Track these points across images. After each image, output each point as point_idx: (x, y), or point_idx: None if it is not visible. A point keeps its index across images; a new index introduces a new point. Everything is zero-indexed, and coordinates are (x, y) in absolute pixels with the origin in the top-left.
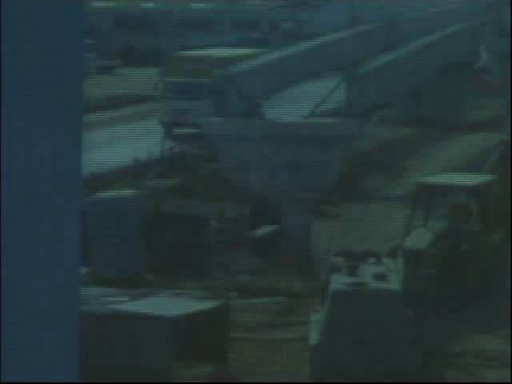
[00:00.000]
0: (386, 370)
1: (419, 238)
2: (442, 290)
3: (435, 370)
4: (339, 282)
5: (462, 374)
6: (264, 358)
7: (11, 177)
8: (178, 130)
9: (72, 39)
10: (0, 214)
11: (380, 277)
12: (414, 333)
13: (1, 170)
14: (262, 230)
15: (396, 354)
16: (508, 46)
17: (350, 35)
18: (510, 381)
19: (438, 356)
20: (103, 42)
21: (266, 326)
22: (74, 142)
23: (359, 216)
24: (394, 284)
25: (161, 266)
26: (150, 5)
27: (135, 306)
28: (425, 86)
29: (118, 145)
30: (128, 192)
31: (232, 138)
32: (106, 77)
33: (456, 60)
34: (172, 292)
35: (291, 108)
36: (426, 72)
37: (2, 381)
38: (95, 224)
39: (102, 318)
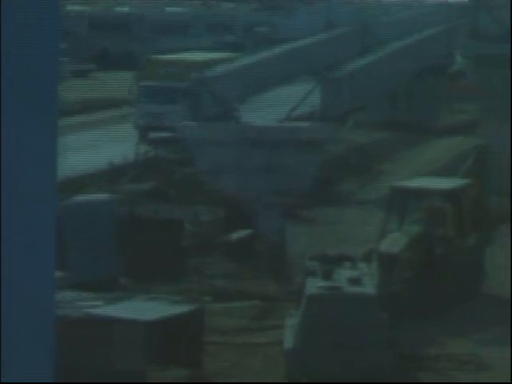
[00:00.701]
0: (362, 373)
1: (394, 242)
2: (417, 294)
3: (410, 374)
4: (314, 285)
5: (436, 378)
6: (239, 361)
7: None
8: (152, 134)
9: (47, 43)
10: None
11: (355, 281)
12: (389, 336)
13: None
14: (237, 234)
15: (371, 357)
16: (483, 50)
17: (325, 39)
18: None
19: (412, 359)
20: (78, 45)
21: (240, 330)
22: (48, 145)
23: (334, 220)
24: (369, 288)
25: (136, 269)
26: (125, 9)
27: (110, 310)
28: (400, 90)
29: (93, 149)
30: (103, 196)
31: (207, 141)
32: (80, 81)
33: (431, 63)
34: (147, 296)
35: (266, 112)
36: (402, 75)
37: (3, 381)
38: (70, 228)
39: (77, 322)
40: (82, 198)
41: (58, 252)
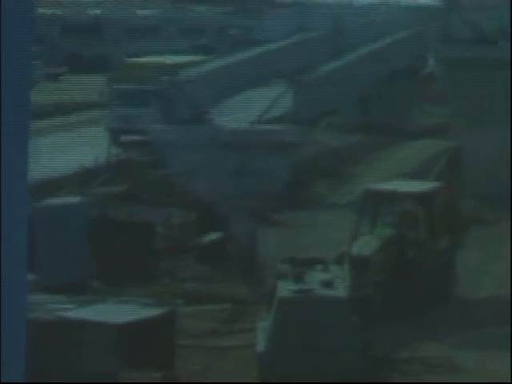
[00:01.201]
0: (333, 376)
1: (366, 245)
2: (389, 297)
3: (382, 377)
4: (286, 288)
5: (408, 381)
6: (211, 364)
7: None
8: (124, 137)
9: (19, 46)
10: None
11: (327, 283)
12: (361, 339)
13: None
14: (209, 237)
15: (343, 360)
16: (455, 53)
17: (297, 42)
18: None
19: (385, 362)
20: (49, 49)
21: (212, 333)
22: (20, 148)
23: (306, 223)
24: (340, 291)
25: (107, 272)
26: (97, 11)
27: (82, 313)
28: (372, 93)
29: (65, 151)
30: (75, 198)
31: (179, 144)
32: (52, 84)
33: (403, 66)
34: (118, 299)
35: (238, 114)
36: (374, 79)
37: (3, 381)
38: (42, 231)
39: (48, 325)
40: (54, 200)
41: (30, 254)
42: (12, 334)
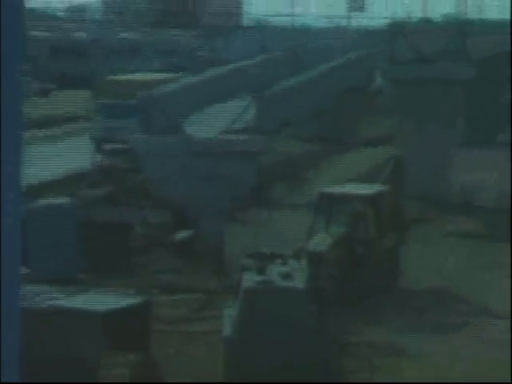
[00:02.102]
0: (293, 359)
1: (321, 242)
2: (342, 288)
3: (335, 359)
4: (250, 280)
5: (357, 362)
6: (183, 348)
7: None
8: (107, 146)
9: (11, 65)
10: None
11: (286, 276)
12: (316, 325)
13: None
14: (181, 235)
15: (301, 344)
16: (399, 72)
17: (260, 61)
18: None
19: (337, 346)
20: (39, 67)
21: (184, 320)
22: (14, 156)
23: (268, 222)
24: (298, 282)
25: (92, 266)
26: (82, 34)
27: (70, 302)
28: (327, 107)
29: (54, 158)
30: (63, 200)
31: (155, 152)
32: (42, 99)
33: (354, 84)
34: (102, 289)
35: (208, 126)
36: (328, 94)
37: (3, 380)
38: (34, 229)
39: (39, 313)
40: (44, 202)
41: (24, 251)
42: (7, 323)
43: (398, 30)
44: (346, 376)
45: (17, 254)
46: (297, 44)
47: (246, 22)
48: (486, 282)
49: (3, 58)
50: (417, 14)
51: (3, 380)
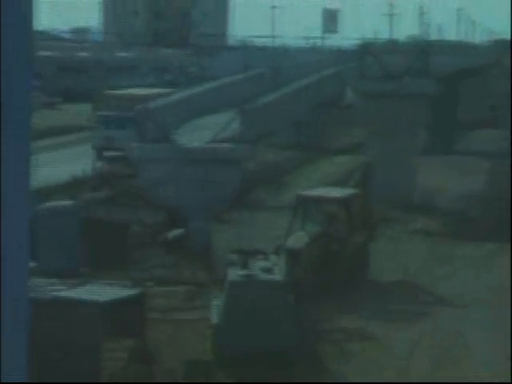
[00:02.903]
0: (272, 343)
1: (298, 240)
2: (317, 281)
3: (311, 344)
4: (234, 273)
5: (330, 347)
6: (174, 333)
7: None
8: (106, 153)
9: (21, 80)
10: None
11: (267, 270)
12: (294, 314)
13: None
14: (173, 233)
15: (280, 330)
16: (369, 87)
17: (244, 78)
18: None
19: (312, 332)
20: (47, 83)
21: (175, 309)
22: (23, 162)
23: (251, 222)
24: (278, 275)
25: (93, 261)
26: (85, 54)
27: (73, 293)
28: (303, 118)
29: (59, 165)
30: (67, 202)
31: (149, 159)
32: (49, 111)
33: (328, 98)
34: (102, 282)
35: (197, 135)
36: (304, 107)
37: (3, 381)
38: (42, 227)
39: (46, 303)
40: (51, 203)
41: (32, 247)
42: (16, 312)
43: (367, 49)
44: (320, 359)
45: (25, 250)
46: (277, 62)
47: (231, 42)
48: (445, 274)
49: (15, 74)
50: (384, 35)
51: (3, 380)
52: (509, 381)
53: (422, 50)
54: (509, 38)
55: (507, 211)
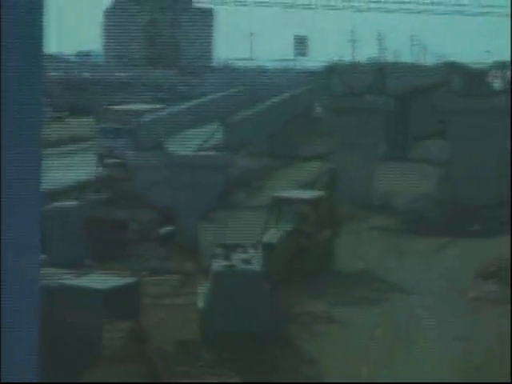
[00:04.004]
0: (251, 326)
1: (273, 235)
2: (289, 271)
3: (284, 326)
4: (218, 265)
5: (300, 328)
6: (166, 317)
7: None
8: (107, 160)
9: (33, 98)
10: None
11: (246, 261)
12: (270, 300)
13: None
14: (165, 230)
15: (257, 315)
16: (335, 103)
17: (225, 95)
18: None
19: (285, 316)
20: (54, 99)
21: (167, 295)
22: (35, 167)
23: (233, 220)
24: (255, 266)
25: (96, 254)
26: (88, 74)
27: (78, 282)
28: (278, 130)
29: (66, 170)
30: (73, 203)
31: (144, 165)
32: (57, 124)
33: (299, 112)
34: (103, 272)
35: (186, 144)
36: (278, 120)
37: (3, 381)
38: (50, 225)
39: (54, 290)
40: (58, 203)
41: (42, 241)
42: (29, 297)
43: (332, 70)
44: (292, 339)
45: (37, 244)
46: (254, 81)
47: (214, 64)
48: (400, 265)
49: (27, 92)
50: (347, 58)
51: (3, 380)
52: (509, 381)
53: (380, 71)
54: (455, 60)
55: (453, 210)
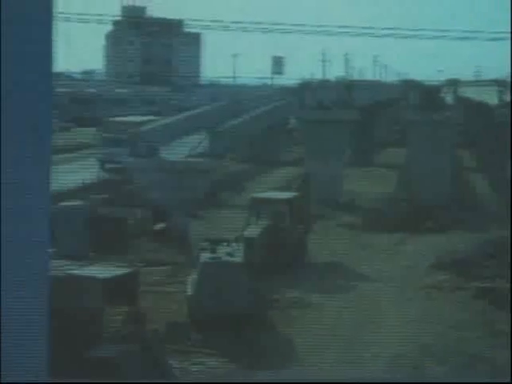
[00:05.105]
0: (234, 310)
1: (253, 231)
2: (268, 262)
3: (263, 310)
4: (205, 256)
5: (278, 312)
6: (159, 302)
7: (6, 193)
8: (108, 165)
9: (44, 110)
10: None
11: (230, 254)
12: (250, 288)
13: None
14: (159, 226)
15: (240, 300)
16: (308, 115)
17: (212, 108)
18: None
19: (264, 301)
20: (62, 112)
21: (160, 283)
22: (44, 172)
23: (218, 217)
24: (238, 258)
25: (98, 247)
26: (91, 90)
27: (82, 271)
28: (258, 139)
29: (72, 174)
30: (78, 202)
31: (141, 170)
32: (64, 133)
33: (276, 123)
34: (104, 263)
35: (177, 152)
36: (258, 130)
37: (3, 381)
38: (59, 222)
39: (61, 279)
40: (65, 203)
41: (52, 236)
42: (40, 285)
43: (305, 87)
44: (270, 321)
45: (47, 239)
46: (237, 96)
47: (202, 81)
48: (365, 257)
49: (40, 107)
50: (318, 76)
51: (3, 380)
52: (509, 380)
53: (347, 87)
54: (412, 78)
55: (410, 209)
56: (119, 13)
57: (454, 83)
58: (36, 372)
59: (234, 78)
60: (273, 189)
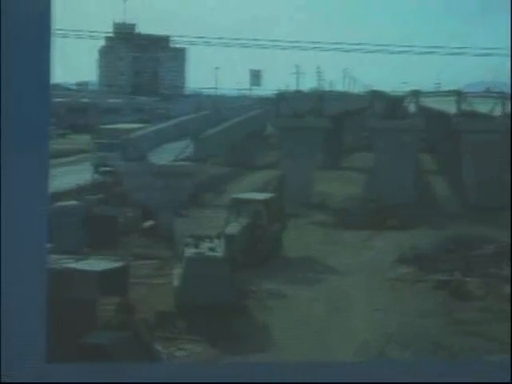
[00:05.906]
0: (215, 299)
1: (233, 228)
2: (246, 257)
3: (241, 300)
4: (189, 251)
5: (256, 302)
6: (148, 293)
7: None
8: (101, 168)
9: (42, 118)
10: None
11: (212, 249)
12: (231, 281)
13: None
14: (147, 223)
15: (221, 291)
16: (283, 123)
17: (196, 117)
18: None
19: (243, 293)
20: (59, 120)
21: (148, 276)
22: (43, 174)
23: (201, 216)
24: (220, 253)
25: (92, 243)
26: (86, 99)
27: (77, 265)
28: (237, 145)
29: (68, 176)
30: (73, 202)
31: (131, 173)
32: (61, 139)
33: (254, 130)
34: (98, 257)
35: (164, 156)
36: (238, 137)
37: (3, 381)
38: (56, 220)
39: (57, 272)
40: (62, 203)
41: (49, 233)
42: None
43: (281, 96)
44: (249, 310)
45: (45, 235)
46: (218, 106)
47: (187, 92)
48: (335, 252)
49: (38, 115)
50: (293, 87)
51: (3, 380)
52: (509, 380)
53: (319, 98)
54: (378, 89)
55: (377, 208)
56: (111, 29)
57: (416, 94)
58: (35, 360)
59: (216, 89)
60: (251, 190)
